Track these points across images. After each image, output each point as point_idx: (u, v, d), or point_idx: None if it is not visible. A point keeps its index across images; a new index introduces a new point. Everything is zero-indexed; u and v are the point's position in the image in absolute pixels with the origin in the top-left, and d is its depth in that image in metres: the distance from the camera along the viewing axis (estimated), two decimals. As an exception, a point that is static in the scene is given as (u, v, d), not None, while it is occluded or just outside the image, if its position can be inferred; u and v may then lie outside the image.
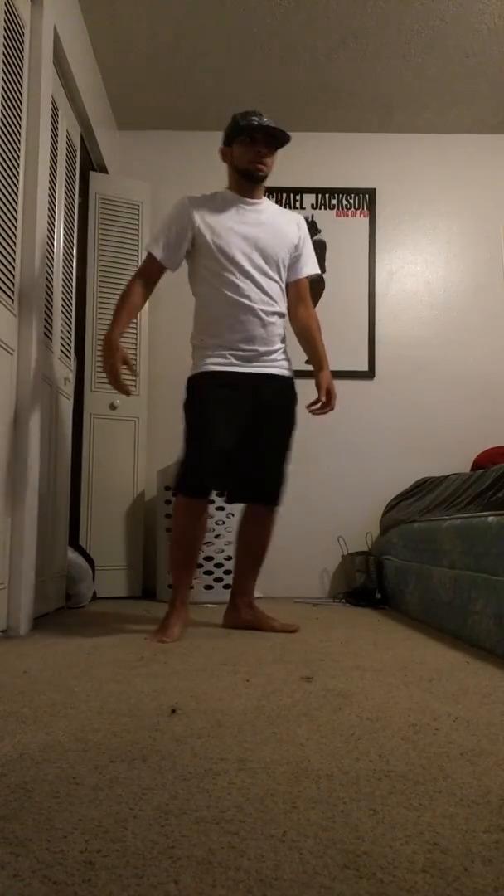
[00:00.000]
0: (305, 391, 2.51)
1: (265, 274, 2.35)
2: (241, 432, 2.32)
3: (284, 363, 2.43)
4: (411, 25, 3.15)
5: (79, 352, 3.48)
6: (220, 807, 0.84)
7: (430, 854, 0.72)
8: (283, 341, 2.43)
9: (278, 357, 2.40)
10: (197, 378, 2.34)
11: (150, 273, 2.35)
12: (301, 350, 2.55)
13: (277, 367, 2.39)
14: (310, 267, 2.49)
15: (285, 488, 2.48)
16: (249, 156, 2.31)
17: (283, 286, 2.43)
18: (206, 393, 2.31)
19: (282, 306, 2.42)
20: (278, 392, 2.39)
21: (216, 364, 2.32)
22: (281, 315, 2.41)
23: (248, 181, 2.37)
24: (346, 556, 3.61)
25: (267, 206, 2.44)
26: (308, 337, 2.50)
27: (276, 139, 2.31)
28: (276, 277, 2.38)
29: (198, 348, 2.39)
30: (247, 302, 2.31)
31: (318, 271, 2.56)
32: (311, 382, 2.51)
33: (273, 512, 2.47)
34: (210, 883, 0.66)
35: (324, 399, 2.45)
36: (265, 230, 2.36)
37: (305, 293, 2.51)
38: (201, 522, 2.32)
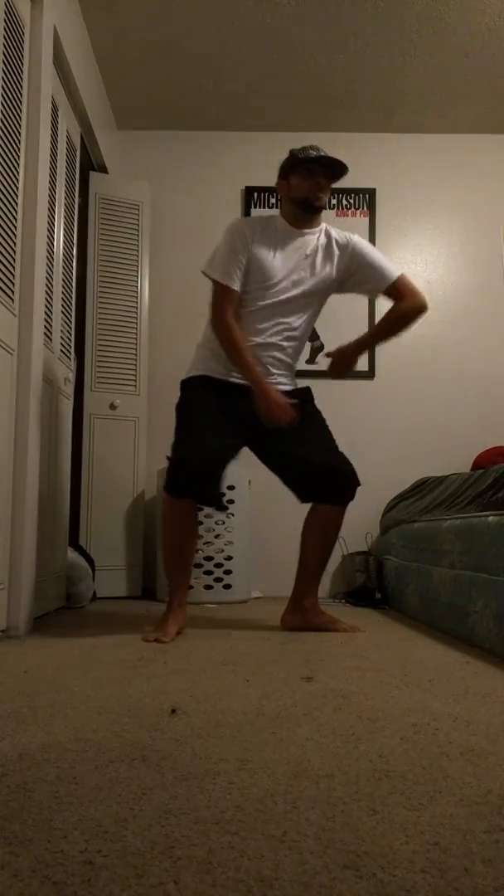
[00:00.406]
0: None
1: (299, 309, 2.40)
2: (237, 440, 2.35)
3: (286, 381, 2.47)
4: (411, 25, 3.15)
5: (79, 352, 3.48)
6: (220, 807, 0.84)
7: (430, 854, 0.72)
8: (292, 369, 2.50)
9: (282, 380, 2.45)
10: (194, 380, 2.36)
11: (232, 304, 2.34)
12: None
13: (279, 384, 2.42)
14: (387, 273, 2.44)
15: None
16: (308, 185, 2.34)
17: (316, 314, 2.51)
18: (200, 396, 2.32)
19: (303, 338, 2.49)
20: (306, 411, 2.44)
21: (216, 372, 2.35)
22: (299, 347, 2.49)
23: (304, 212, 2.39)
24: (346, 556, 3.61)
25: (319, 235, 2.45)
26: (403, 321, 2.50)
27: (334, 170, 2.36)
28: (311, 311, 2.45)
29: (203, 352, 2.40)
30: (267, 339, 2.37)
31: (396, 273, 2.46)
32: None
33: (342, 511, 2.46)
34: (210, 883, 0.66)
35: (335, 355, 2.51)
36: (309, 263, 2.40)
37: (403, 290, 2.44)
38: (189, 522, 2.31)
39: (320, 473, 2.40)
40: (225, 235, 2.38)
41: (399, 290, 2.46)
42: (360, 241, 2.51)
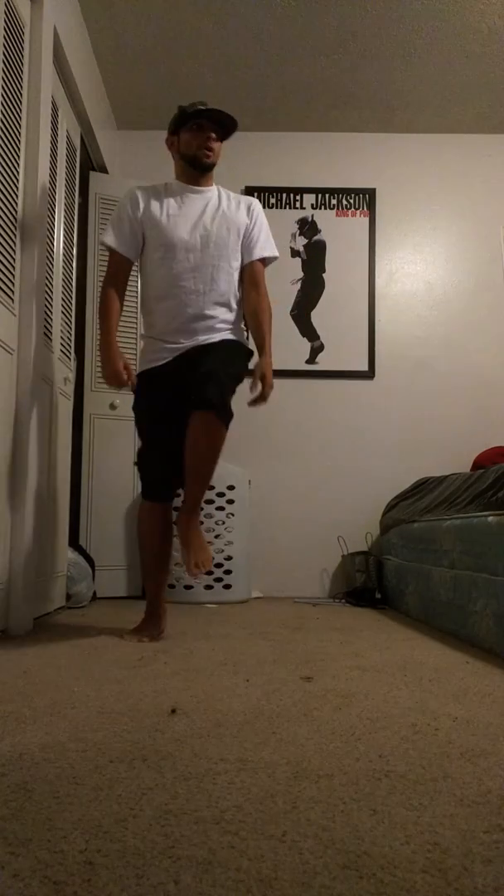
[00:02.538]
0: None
1: (209, 262, 2.27)
2: (177, 425, 2.20)
3: (225, 332, 2.30)
4: (411, 25, 3.15)
5: (79, 352, 3.48)
6: (220, 807, 0.84)
7: (430, 854, 0.72)
8: (230, 325, 2.32)
9: (217, 327, 2.28)
10: (138, 377, 2.31)
11: (117, 271, 2.29)
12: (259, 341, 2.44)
13: (213, 337, 2.27)
14: (260, 250, 2.37)
15: (223, 398, 2.15)
16: (197, 142, 2.28)
17: (236, 273, 2.34)
18: (140, 402, 2.31)
19: (230, 294, 2.32)
20: (210, 345, 2.25)
21: (151, 362, 2.29)
22: (228, 305, 2.31)
23: (195, 169, 2.32)
24: (346, 556, 3.61)
25: (215, 193, 2.36)
26: (255, 322, 2.36)
27: (223, 126, 2.29)
28: (225, 264, 2.30)
29: (143, 344, 2.37)
30: (184, 293, 2.25)
31: (273, 254, 2.41)
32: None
33: (211, 419, 2.12)
34: (210, 883, 0.66)
35: (258, 385, 2.28)
36: (209, 217, 2.30)
37: (257, 277, 2.37)
38: (162, 523, 2.29)
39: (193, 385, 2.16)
40: (118, 205, 2.34)
41: (253, 274, 2.36)
42: (257, 206, 2.44)
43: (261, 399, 2.32)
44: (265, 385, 2.31)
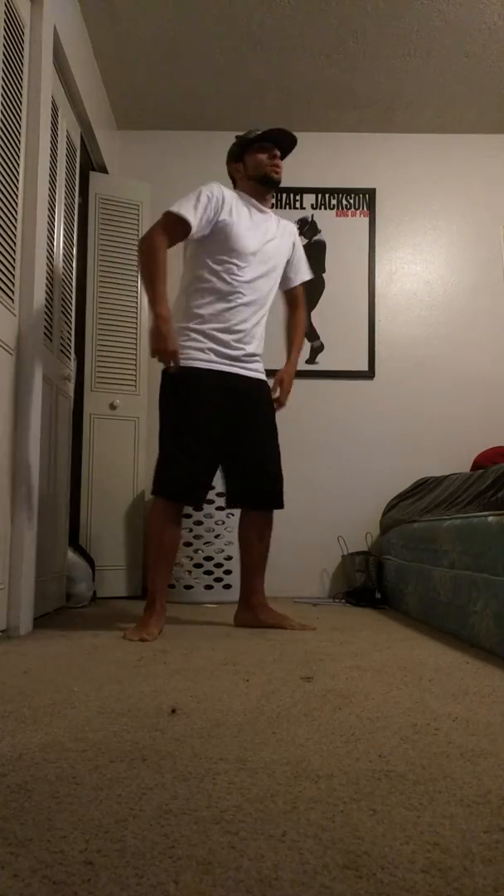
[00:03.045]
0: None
1: (266, 289, 2.45)
2: (224, 435, 2.36)
3: (261, 366, 2.51)
4: (411, 25, 3.15)
5: (79, 352, 3.48)
6: (220, 807, 0.84)
7: (430, 854, 0.72)
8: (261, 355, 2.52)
9: (258, 361, 2.48)
10: (178, 373, 2.31)
11: (173, 234, 2.29)
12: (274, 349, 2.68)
13: (256, 370, 2.47)
14: (304, 274, 2.66)
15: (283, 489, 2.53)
16: (265, 161, 2.41)
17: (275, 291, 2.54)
18: (185, 397, 2.31)
19: (265, 316, 2.50)
20: (259, 394, 2.46)
21: (197, 360, 2.32)
22: (262, 332, 2.50)
23: (264, 186, 2.45)
24: (346, 556, 3.61)
25: (272, 218, 2.52)
26: (294, 335, 2.67)
27: (284, 143, 2.43)
28: (273, 283, 2.49)
29: (187, 335, 2.34)
30: (241, 303, 2.37)
31: (311, 276, 2.71)
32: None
33: (272, 515, 2.54)
34: (210, 883, 0.66)
35: (277, 390, 2.56)
36: (272, 246, 2.46)
37: (301, 297, 2.68)
38: (178, 525, 2.36)
39: (254, 480, 2.45)
40: (203, 188, 2.35)
41: (296, 295, 2.67)
42: (296, 232, 2.66)
43: (277, 403, 2.54)
44: (283, 391, 2.55)
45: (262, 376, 2.49)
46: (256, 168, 2.41)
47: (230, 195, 2.39)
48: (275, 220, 2.52)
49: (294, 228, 2.63)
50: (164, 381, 2.36)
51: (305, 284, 2.69)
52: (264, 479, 2.44)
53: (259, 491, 2.45)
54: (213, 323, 2.34)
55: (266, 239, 2.43)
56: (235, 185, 2.52)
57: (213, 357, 2.33)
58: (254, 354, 2.44)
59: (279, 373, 2.58)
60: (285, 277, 2.59)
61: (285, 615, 2.49)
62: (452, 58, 3.36)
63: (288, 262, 2.57)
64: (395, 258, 3.99)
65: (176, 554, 2.40)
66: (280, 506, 2.49)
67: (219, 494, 3.36)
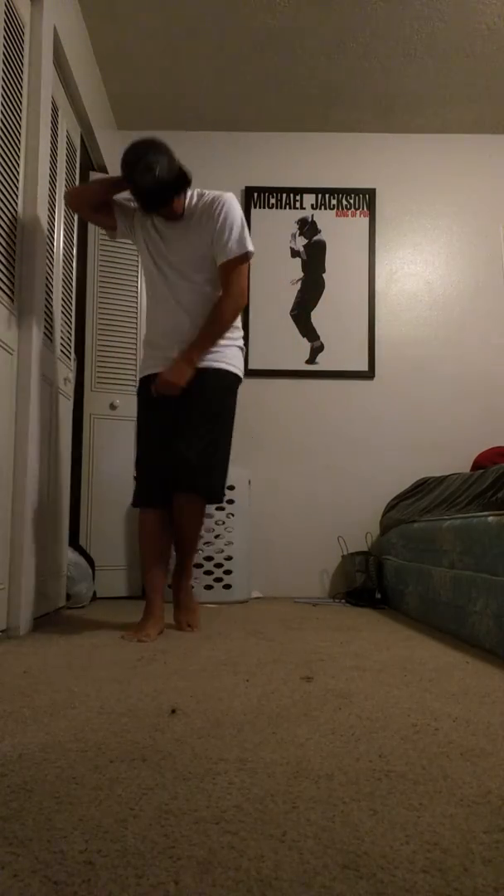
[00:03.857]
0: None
1: (185, 266, 2.35)
2: (168, 431, 2.34)
3: (213, 356, 2.34)
4: (411, 25, 3.15)
5: (79, 352, 3.48)
6: (220, 807, 0.84)
7: (430, 854, 0.72)
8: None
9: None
10: (139, 387, 2.46)
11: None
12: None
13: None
14: (221, 251, 2.32)
15: (210, 481, 2.34)
16: (143, 208, 2.28)
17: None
18: (140, 408, 2.43)
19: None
20: (197, 384, 2.30)
21: (146, 370, 2.43)
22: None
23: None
24: (346, 556, 3.61)
25: (188, 212, 2.36)
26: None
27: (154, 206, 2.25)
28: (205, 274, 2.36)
29: (144, 349, 2.49)
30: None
31: (233, 254, 2.32)
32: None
33: (194, 500, 2.34)
34: (210, 883, 0.66)
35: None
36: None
37: (225, 281, 2.34)
38: (160, 526, 2.37)
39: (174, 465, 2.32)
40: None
41: (222, 275, 2.42)
42: (215, 200, 2.41)
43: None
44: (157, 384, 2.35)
45: (210, 365, 2.33)
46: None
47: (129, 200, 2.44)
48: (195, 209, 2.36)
49: (208, 199, 2.39)
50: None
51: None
52: (185, 465, 2.28)
53: (180, 475, 2.29)
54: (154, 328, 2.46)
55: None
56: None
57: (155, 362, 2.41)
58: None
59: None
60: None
61: (187, 610, 2.43)
62: (452, 58, 3.36)
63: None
64: (395, 258, 3.99)
65: (168, 556, 2.45)
66: (192, 490, 2.30)
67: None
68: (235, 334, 2.43)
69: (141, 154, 2.14)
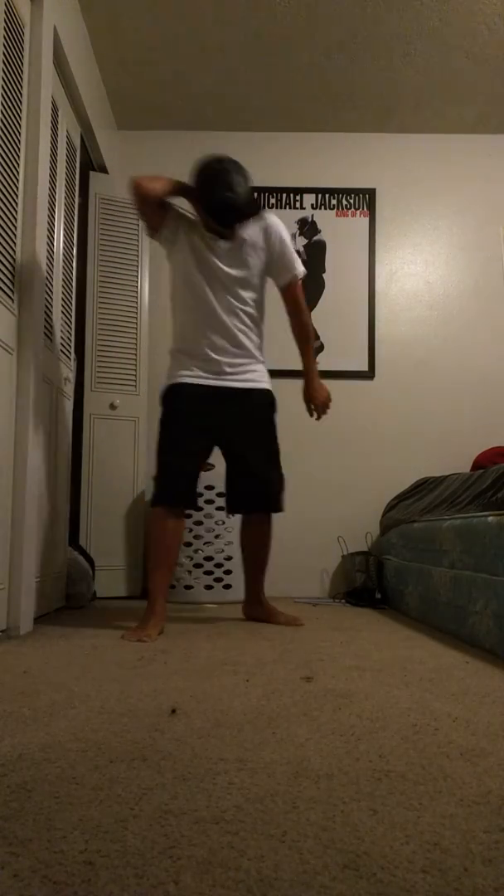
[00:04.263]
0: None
1: (235, 284, 2.48)
2: (212, 445, 2.49)
3: (255, 375, 2.54)
4: (411, 25, 3.15)
5: (79, 352, 3.48)
6: (220, 807, 0.84)
7: (430, 854, 0.72)
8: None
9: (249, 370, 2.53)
10: (170, 391, 2.47)
11: None
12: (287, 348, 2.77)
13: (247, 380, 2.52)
14: (286, 274, 2.61)
15: (280, 497, 2.59)
16: (209, 227, 2.40)
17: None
18: (175, 410, 2.44)
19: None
20: (248, 402, 2.51)
21: (190, 377, 2.44)
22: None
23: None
24: (346, 556, 3.61)
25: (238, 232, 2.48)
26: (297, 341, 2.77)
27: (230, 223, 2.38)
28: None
29: (179, 357, 2.50)
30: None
31: (300, 274, 2.61)
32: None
33: (270, 518, 2.63)
34: (210, 883, 0.66)
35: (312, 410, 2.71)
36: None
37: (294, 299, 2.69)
38: (178, 528, 2.42)
39: (252, 485, 2.54)
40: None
41: (291, 293, 2.66)
42: (272, 225, 2.59)
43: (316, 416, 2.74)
44: (316, 409, 2.73)
45: (256, 385, 2.52)
46: (204, 223, 2.41)
47: (183, 211, 2.52)
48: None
49: (269, 223, 2.54)
50: (161, 402, 2.48)
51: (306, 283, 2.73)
52: (259, 487, 2.54)
53: (252, 495, 2.55)
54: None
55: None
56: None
57: (204, 374, 2.46)
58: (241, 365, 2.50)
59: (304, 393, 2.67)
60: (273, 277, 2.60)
61: (277, 610, 2.62)
62: (452, 58, 3.36)
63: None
64: (395, 258, 3.99)
65: (177, 557, 2.47)
66: (275, 509, 2.58)
67: (219, 495, 3.36)
68: (263, 353, 2.59)
69: (224, 171, 2.27)
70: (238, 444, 2.50)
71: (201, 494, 3.33)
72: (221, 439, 2.50)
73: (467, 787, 0.91)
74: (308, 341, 2.65)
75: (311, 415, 2.66)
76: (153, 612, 2.29)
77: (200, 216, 2.39)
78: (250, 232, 2.47)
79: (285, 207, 3.95)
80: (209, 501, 3.34)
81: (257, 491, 2.53)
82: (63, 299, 2.95)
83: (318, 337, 3.88)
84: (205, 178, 2.29)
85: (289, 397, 3.87)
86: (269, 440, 2.55)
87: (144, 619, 2.28)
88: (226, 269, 2.42)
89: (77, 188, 3.22)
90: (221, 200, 2.26)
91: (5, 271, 2.20)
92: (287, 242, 2.53)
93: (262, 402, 2.53)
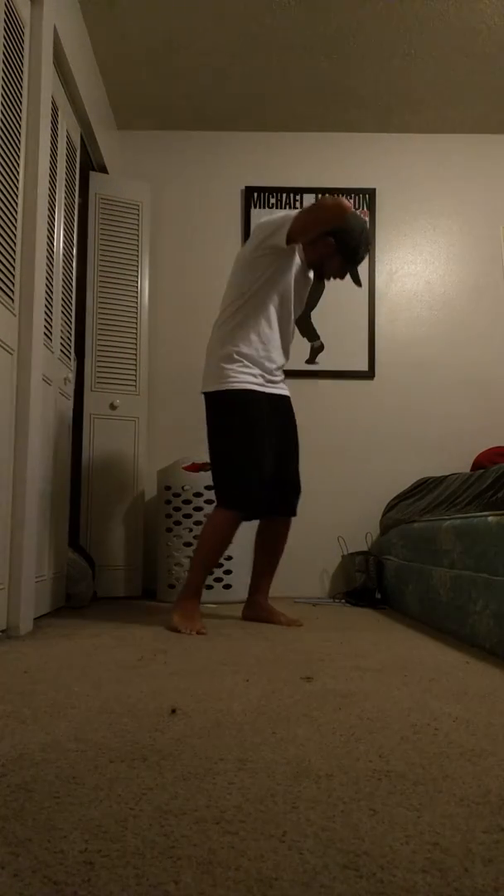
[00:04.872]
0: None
1: (295, 314, 2.66)
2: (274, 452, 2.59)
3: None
4: (411, 25, 3.15)
5: (79, 352, 3.48)
6: (220, 807, 0.84)
7: (430, 854, 0.72)
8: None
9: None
10: (242, 393, 2.52)
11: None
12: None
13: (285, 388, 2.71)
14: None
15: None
16: (337, 271, 2.56)
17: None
18: (254, 414, 2.51)
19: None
20: (290, 410, 2.70)
21: (256, 384, 2.54)
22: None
23: (314, 274, 2.65)
24: (346, 556, 3.61)
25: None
26: None
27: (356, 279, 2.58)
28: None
29: (242, 362, 2.54)
30: (277, 342, 2.61)
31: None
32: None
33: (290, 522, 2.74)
34: (210, 883, 0.66)
35: None
36: (300, 296, 2.66)
37: None
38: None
39: (284, 490, 2.65)
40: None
41: None
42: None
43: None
44: None
45: (287, 393, 2.71)
46: (329, 269, 2.56)
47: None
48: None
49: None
50: (230, 399, 2.51)
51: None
52: (293, 490, 2.68)
53: (287, 500, 2.67)
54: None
55: (301, 287, 2.65)
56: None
57: (266, 383, 2.58)
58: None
59: None
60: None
61: (278, 611, 2.64)
62: (452, 58, 3.36)
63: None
64: (395, 258, 3.99)
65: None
66: (295, 514, 2.71)
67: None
68: None
69: (368, 238, 2.51)
70: (287, 448, 2.65)
71: (200, 494, 3.33)
72: (276, 444, 2.60)
73: (467, 787, 0.91)
74: None
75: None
76: (196, 603, 2.45)
77: (328, 255, 2.51)
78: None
79: (285, 207, 3.95)
80: (209, 501, 3.34)
81: (293, 496, 2.68)
82: (63, 299, 2.95)
83: (318, 337, 3.88)
84: (362, 229, 2.47)
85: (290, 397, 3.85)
86: (297, 447, 2.73)
87: (191, 612, 2.40)
88: (298, 300, 2.63)
89: (77, 188, 3.22)
90: (364, 256, 2.52)
91: (5, 271, 2.20)
92: None
93: (293, 412, 2.72)
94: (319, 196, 3.97)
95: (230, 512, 2.46)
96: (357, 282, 2.56)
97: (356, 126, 3.95)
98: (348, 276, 2.57)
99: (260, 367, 2.53)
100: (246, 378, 2.50)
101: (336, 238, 2.46)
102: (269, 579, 2.72)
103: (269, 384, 2.58)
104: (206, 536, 2.50)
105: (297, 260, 2.56)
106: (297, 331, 3.97)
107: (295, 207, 3.96)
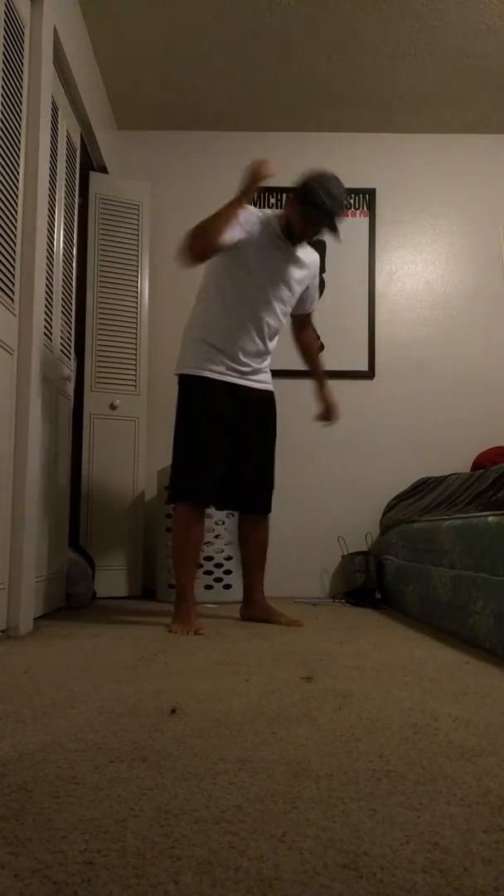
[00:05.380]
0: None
1: (268, 306, 2.50)
2: (230, 442, 2.50)
3: (263, 366, 2.62)
4: (411, 25, 3.15)
5: (79, 352, 3.48)
6: (220, 807, 0.84)
7: (430, 854, 0.72)
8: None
9: (255, 365, 2.57)
10: (194, 380, 2.46)
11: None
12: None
13: (254, 371, 2.57)
14: (315, 299, 2.77)
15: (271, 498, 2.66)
16: (302, 226, 2.42)
17: (282, 319, 2.60)
18: (203, 403, 2.45)
19: (273, 334, 2.60)
20: (264, 406, 2.61)
21: (213, 372, 2.45)
22: (270, 342, 2.60)
23: (289, 238, 2.48)
24: (346, 556, 3.61)
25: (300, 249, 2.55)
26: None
27: (333, 226, 2.40)
28: (278, 313, 2.56)
29: (201, 346, 2.46)
30: (243, 323, 2.48)
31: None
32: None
33: (266, 518, 2.69)
34: (210, 883, 0.66)
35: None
36: (285, 273, 2.52)
37: (309, 322, 2.84)
38: (202, 526, 2.50)
39: (251, 486, 2.60)
40: None
41: (308, 321, 2.81)
42: (317, 260, 2.69)
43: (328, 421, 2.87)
44: (330, 416, 2.89)
45: (267, 387, 2.62)
46: (295, 224, 2.42)
47: (256, 216, 2.46)
48: (301, 251, 2.57)
49: (315, 257, 2.67)
50: (182, 385, 2.49)
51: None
52: (261, 486, 2.61)
53: (256, 497, 2.61)
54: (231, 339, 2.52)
55: (277, 263, 2.49)
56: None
57: (226, 371, 2.49)
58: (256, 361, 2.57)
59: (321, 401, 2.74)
60: (298, 309, 2.69)
61: (276, 611, 2.62)
62: (452, 58, 3.36)
63: (309, 291, 2.67)
64: (395, 258, 3.99)
65: (200, 551, 2.58)
66: (269, 511, 2.66)
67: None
68: None
69: (336, 178, 2.38)
70: (248, 443, 2.55)
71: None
72: (234, 436, 2.52)
73: (467, 787, 0.91)
74: (318, 354, 2.86)
75: (328, 418, 2.75)
76: (189, 604, 2.40)
77: (293, 217, 2.39)
78: (306, 255, 2.57)
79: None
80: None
81: (259, 492, 2.61)
82: (63, 299, 2.95)
83: (318, 337, 3.88)
84: (319, 177, 2.33)
85: (291, 397, 3.87)
86: (272, 441, 2.64)
87: (184, 613, 2.38)
88: (279, 273, 2.48)
89: (77, 188, 3.22)
90: (332, 204, 2.31)
91: (5, 271, 2.20)
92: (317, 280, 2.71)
93: (270, 406, 2.63)
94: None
95: (179, 504, 2.45)
96: (333, 230, 2.39)
97: (356, 126, 3.95)
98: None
99: (226, 354, 2.46)
100: (203, 364, 2.44)
101: (296, 192, 2.38)
102: (260, 575, 2.68)
103: (234, 373, 2.48)
104: (172, 535, 2.52)
105: (270, 233, 2.44)
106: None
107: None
